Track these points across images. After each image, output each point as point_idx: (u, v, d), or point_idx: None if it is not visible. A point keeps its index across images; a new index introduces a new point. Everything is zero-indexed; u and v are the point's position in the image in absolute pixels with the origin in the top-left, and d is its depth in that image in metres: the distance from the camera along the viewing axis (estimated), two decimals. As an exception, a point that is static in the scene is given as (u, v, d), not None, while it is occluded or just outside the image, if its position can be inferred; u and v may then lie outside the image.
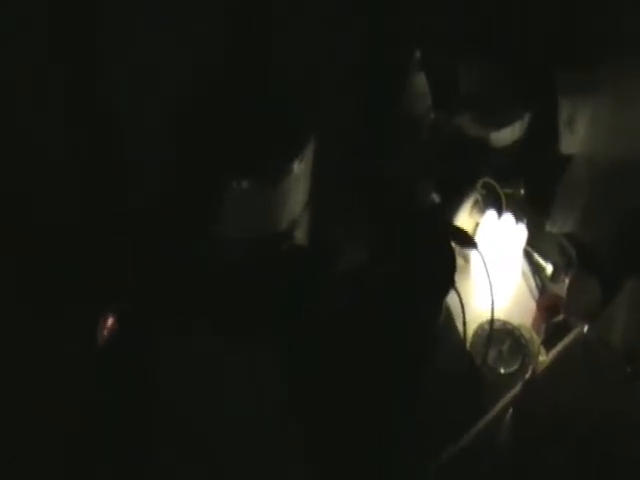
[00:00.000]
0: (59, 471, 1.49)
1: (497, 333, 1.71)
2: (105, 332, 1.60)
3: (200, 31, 1.60)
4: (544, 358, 1.70)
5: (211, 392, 1.59)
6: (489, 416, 1.60)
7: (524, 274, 1.87)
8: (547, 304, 1.80)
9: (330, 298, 1.61)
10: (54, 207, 1.65)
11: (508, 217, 1.84)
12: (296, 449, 1.55)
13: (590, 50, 1.76)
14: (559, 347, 1.68)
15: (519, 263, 1.86)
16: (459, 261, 1.73)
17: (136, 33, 1.54)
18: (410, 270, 1.47)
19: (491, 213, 1.84)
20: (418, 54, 1.80)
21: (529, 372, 1.65)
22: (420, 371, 1.61)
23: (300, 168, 1.58)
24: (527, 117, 1.92)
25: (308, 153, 1.59)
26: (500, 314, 1.74)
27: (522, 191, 1.93)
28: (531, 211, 1.89)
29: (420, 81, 1.83)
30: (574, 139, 1.84)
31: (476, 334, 1.73)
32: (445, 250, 1.49)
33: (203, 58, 1.63)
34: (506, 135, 1.92)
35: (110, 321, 1.60)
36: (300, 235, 1.67)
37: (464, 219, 1.87)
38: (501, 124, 1.91)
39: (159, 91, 1.59)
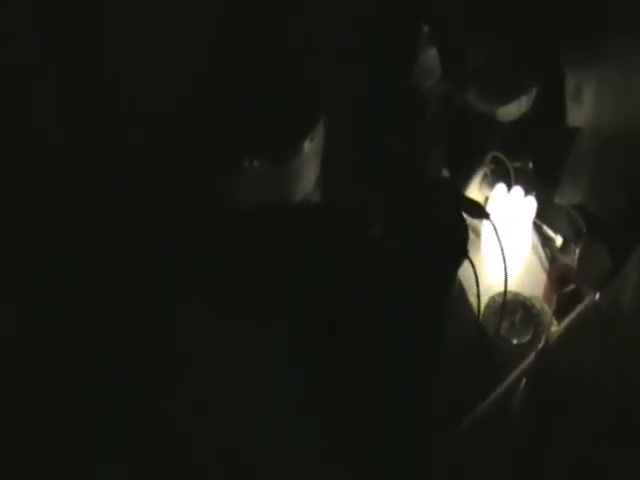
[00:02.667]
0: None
1: (509, 304, 1.72)
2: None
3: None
4: (556, 328, 1.71)
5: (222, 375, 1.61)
6: (503, 387, 1.61)
7: (534, 246, 1.89)
8: (558, 275, 1.81)
9: (345, 273, 1.62)
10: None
11: (517, 190, 1.85)
12: (311, 431, 1.57)
13: (595, 22, 1.76)
14: (571, 316, 1.69)
15: (529, 235, 1.88)
16: (470, 234, 1.75)
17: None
18: (422, 242, 1.48)
19: (500, 187, 1.86)
20: (426, 28, 1.81)
21: (542, 342, 1.66)
22: (434, 343, 1.62)
23: (311, 147, 1.59)
24: (534, 91, 1.92)
25: (319, 132, 1.60)
26: (511, 286, 1.74)
27: (530, 164, 1.94)
28: (540, 184, 1.90)
29: (430, 55, 1.83)
30: (581, 111, 1.84)
31: (488, 306, 1.75)
32: (457, 221, 1.49)
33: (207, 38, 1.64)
34: (514, 109, 1.92)
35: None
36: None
37: (474, 193, 1.88)
38: (508, 98, 1.91)
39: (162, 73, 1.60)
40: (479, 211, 1.57)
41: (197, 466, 1.54)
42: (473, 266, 1.49)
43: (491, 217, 1.56)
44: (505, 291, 1.59)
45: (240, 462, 1.55)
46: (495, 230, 1.54)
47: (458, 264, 1.49)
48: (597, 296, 1.67)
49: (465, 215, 1.52)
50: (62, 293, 1.59)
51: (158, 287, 1.66)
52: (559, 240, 1.87)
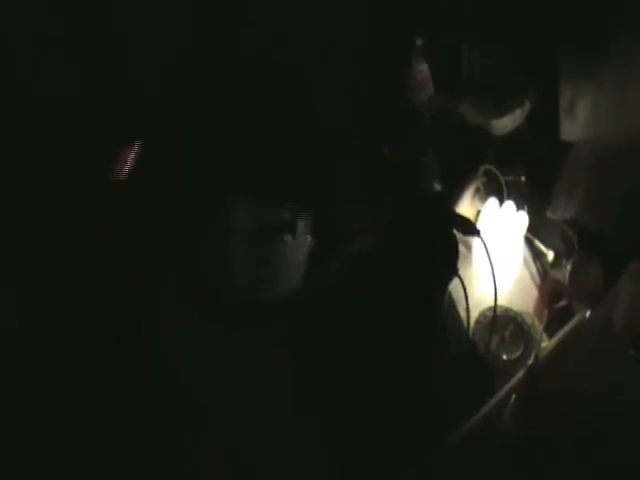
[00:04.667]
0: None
1: (499, 320, 1.72)
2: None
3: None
4: (547, 344, 1.71)
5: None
6: (492, 402, 1.60)
7: (525, 261, 1.88)
8: (549, 290, 1.81)
9: (336, 281, 1.61)
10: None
11: (509, 204, 1.84)
12: (313, 431, 1.56)
13: (591, 35, 1.76)
14: (562, 332, 1.68)
15: (520, 250, 1.87)
16: (461, 248, 1.74)
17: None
18: (413, 257, 1.48)
19: (492, 201, 1.85)
20: (420, 41, 1.80)
21: (532, 358, 1.66)
22: (426, 357, 1.61)
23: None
24: (528, 104, 1.92)
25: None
26: (502, 301, 1.74)
27: (523, 178, 1.93)
28: (532, 198, 1.90)
29: (422, 68, 1.83)
30: (575, 125, 1.83)
31: (478, 321, 1.74)
32: (448, 237, 1.49)
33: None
34: (507, 122, 1.92)
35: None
36: (302, 222, 1.67)
37: (466, 207, 1.87)
38: (502, 111, 1.90)
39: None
40: (470, 228, 1.57)
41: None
42: (462, 283, 1.49)
43: (481, 234, 1.55)
44: (495, 307, 1.59)
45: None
46: (485, 247, 1.53)
47: (448, 281, 1.48)
48: (588, 313, 1.66)
49: (456, 231, 1.52)
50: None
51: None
52: (551, 255, 1.86)
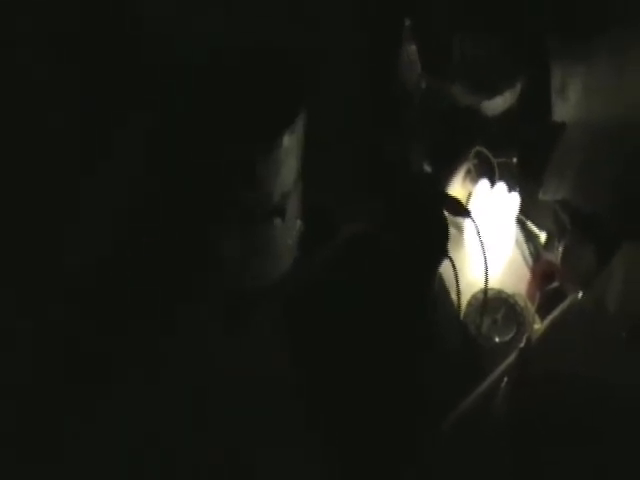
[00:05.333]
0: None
1: (491, 302, 1.71)
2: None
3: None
4: (539, 326, 1.70)
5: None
6: (484, 385, 1.60)
7: (518, 242, 1.87)
8: (541, 272, 1.80)
9: (326, 266, 1.61)
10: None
11: (501, 186, 1.83)
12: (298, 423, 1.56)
13: (583, 17, 1.75)
14: (554, 314, 1.68)
15: (512, 231, 1.86)
16: (452, 230, 1.73)
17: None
18: (403, 239, 1.47)
19: (484, 182, 1.83)
20: (409, 22, 1.79)
21: (524, 340, 1.65)
22: (417, 343, 1.61)
23: (291, 141, 1.57)
24: (519, 85, 1.90)
25: (299, 125, 1.58)
26: (494, 283, 1.73)
27: (515, 159, 1.92)
28: (524, 179, 1.88)
29: (411, 50, 1.81)
30: (566, 106, 1.82)
31: (470, 304, 1.73)
32: (438, 219, 1.48)
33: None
34: (498, 104, 1.90)
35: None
36: (292, 207, 1.67)
37: (457, 188, 1.86)
38: (493, 93, 1.89)
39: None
40: (460, 209, 1.56)
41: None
42: (454, 266, 1.48)
43: (472, 215, 1.54)
44: (486, 290, 1.59)
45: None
46: (476, 228, 1.52)
47: (438, 264, 1.47)
48: (580, 295, 1.65)
49: (446, 213, 1.51)
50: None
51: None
52: (543, 236, 1.85)
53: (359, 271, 1.54)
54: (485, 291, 1.58)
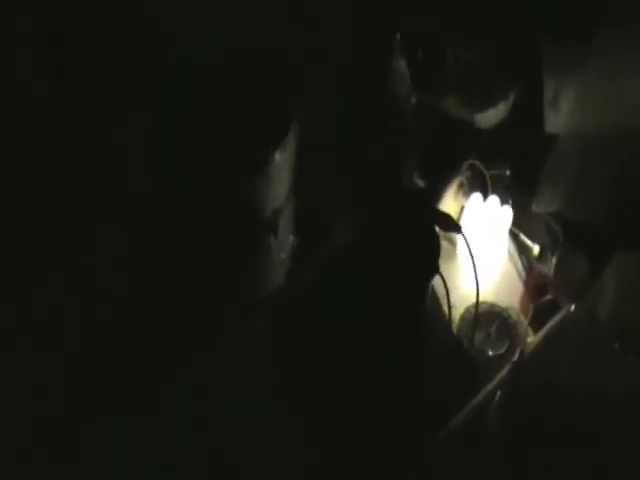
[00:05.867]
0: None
1: (484, 315, 1.72)
2: None
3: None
4: (532, 338, 1.70)
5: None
6: (478, 399, 1.60)
7: (510, 255, 1.87)
8: (534, 284, 1.80)
9: (319, 280, 1.61)
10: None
11: (493, 199, 1.83)
12: (295, 432, 1.56)
13: (574, 28, 1.75)
14: (547, 327, 1.68)
15: (505, 244, 1.86)
16: (446, 244, 1.74)
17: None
18: (394, 255, 1.47)
19: (476, 196, 1.84)
20: (399, 36, 1.79)
21: (517, 354, 1.65)
22: (410, 355, 1.60)
23: (282, 157, 1.57)
24: (511, 97, 1.90)
25: (290, 141, 1.59)
26: (487, 296, 1.74)
27: (508, 172, 1.92)
28: (517, 191, 1.88)
29: (401, 63, 1.81)
30: (559, 118, 1.82)
31: (463, 317, 1.73)
32: (429, 235, 1.48)
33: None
34: (490, 116, 1.90)
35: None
36: (284, 222, 1.67)
37: (449, 202, 1.86)
38: (485, 105, 1.89)
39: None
40: (451, 225, 1.56)
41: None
42: (444, 281, 1.48)
43: (463, 231, 1.55)
44: (477, 304, 1.59)
45: (224, 462, 1.55)
46: (467, 244, 1.53)
47: (429, 280, 1.48)
48: (573, 307, 1.65)
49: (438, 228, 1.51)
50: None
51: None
52: (536, 249, 1.85)
53: (351, 284, 1.54)
54: (477, 305, 1.59)
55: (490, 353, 1.71)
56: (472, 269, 1.59)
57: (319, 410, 1.56)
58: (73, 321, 1.65)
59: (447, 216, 1.58)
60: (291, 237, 1.73)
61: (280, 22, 1.73)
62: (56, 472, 1.52)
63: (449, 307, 1.56)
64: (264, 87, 1.61)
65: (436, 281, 1.56)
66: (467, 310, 1.73)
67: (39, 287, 1.67)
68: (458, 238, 1.80)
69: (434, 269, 1.47)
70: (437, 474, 1.53)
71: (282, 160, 1.58)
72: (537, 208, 1.86)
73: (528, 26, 1.82)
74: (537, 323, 1.74)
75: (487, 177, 1.88)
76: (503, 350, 1.72)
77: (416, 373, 1.62)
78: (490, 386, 1.62)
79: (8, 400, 1.55)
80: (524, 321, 1.74)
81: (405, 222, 1.51)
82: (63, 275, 1.69)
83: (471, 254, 1.53)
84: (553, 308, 1.74)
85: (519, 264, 1.86)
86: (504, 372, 1.63)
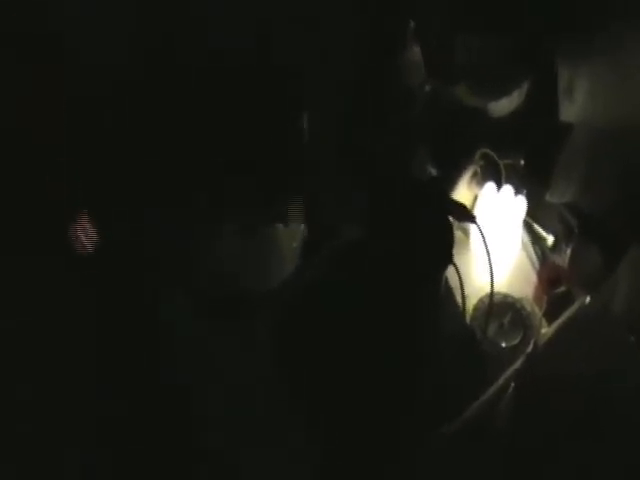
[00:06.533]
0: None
1: (498, 306, 1.70)
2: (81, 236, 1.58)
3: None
4: (546, 330, 1.68)
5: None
6: (491, 391, 1.58)
7: (524, 245, 1.86)
8: (548, 275, 1.78)
9: (328, 273, 1.59)
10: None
11: (507, 189, 1.81)
12: (298, 429, 1.55)
13: (589, 16, 1.73)
14: (561, 319, 1.66)
15: (519, 234, 1.84)
16: (459, 234, 1.72)
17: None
18: (407, 245, 1.45)
19: (490, 185, 1.82)
20: (413, 23, 1.77)
21: (531, 345, 1.63)
22: (420, 347, 1.59)
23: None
24: (525, 86, 1.88)
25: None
26: (501, 287, 1.72)
27: (522, 161, 1.90)
28: (531, 181, 1.86)
29: (415, 51, 1.79)
30: (573, 107, 1.80)
31: (476, 308, 1.72)
32: (443, 225, 1.46)
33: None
34: (504, 105, 1.88)
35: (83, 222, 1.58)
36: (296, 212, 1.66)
37: (463, 191, 1.84)
38: (499, 94, 1.87)
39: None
40: (466, 215, 1.54)
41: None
42: (458, 272, 1.46)
43: (477, 221, 1.53)
44: (492, 294, 1.57)
45: (225, 462, 1.53)
46: (482, 234, 1.51)
47: (442, 270, 1.46)
48: (588, 299, 1.63)
49: (452, 218, 1.50)
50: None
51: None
52: (550, 239, 1.83)
53: (360, 275, 1.53)
54: (491, 295, 1.57)
55: (503, 344, 1.69)
56: (486, 259, 1.57)
57: (321, 407, 1.55)
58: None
59: (462, 206, 1.56)
60: (302, 227, 1.72)
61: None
62: None
63: (463, 298, 1.54)
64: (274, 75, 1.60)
65: (449, 271, 1.55)
66: (480, 300, 1.72)
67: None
68: (471, 228, 1.78)
69: (448, 259, 1.45)
70: (443, 468, 1.51)
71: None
72: (551, 198, 1.84)
73: (542, 15, 1.80)
74: (551, 314, 1.72)
75: (501, 166, 1.86)
76: (516, 341, 1.70)
77: (426, 367, 1.60)
78: (503, 378, 1.60)
79: None
80: (538, 312, 1.72)
81: (419, 211, 1.49)
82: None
83: (486, 244, 1.51)
84: (567, 299, 1.72)
85: (533, 255, 1.84)
86: (517, 364, 1.61)
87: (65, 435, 1.51)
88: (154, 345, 1.59)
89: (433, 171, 1.86)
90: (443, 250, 1.44)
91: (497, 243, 1.72)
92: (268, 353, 1.60)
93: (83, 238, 1.58)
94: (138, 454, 1.52)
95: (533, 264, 1.83)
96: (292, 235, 1.68)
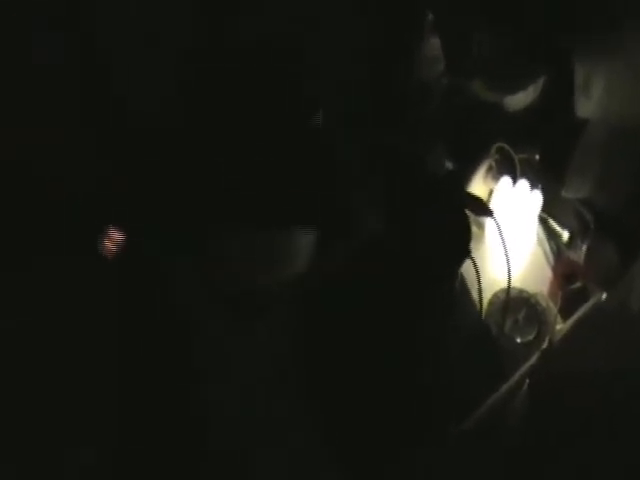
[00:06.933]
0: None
1: (513, 301, 1.69)
2: (111, 247, 1.57)
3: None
4: (561, 326, 1.67)
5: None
6: (506, 387, 1.57)
7: (540, 241, 1.84)
8: (564, 271, 1.77)
9: (347, 266, 1.58)
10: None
11: (523, 183, 1.80)
12: (314, 431, 1.54)
13: (606, 14, 1.72)
14: (577, 315, 1.65)
15: (534, 230, 1.83)
16: (473, 228, 1.70)
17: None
18: (425, 241, 1.44)
19: (505, 179, 1.81)
20: (431, 17, 1.76)
21: (546, 342, 1.62)
22: (436, 342, 1.58)
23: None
24: (541, 81, 1.87)
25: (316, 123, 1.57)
26: (515, 282, 1.71)
27: (537, 156, 1.89)
28: (546, 176, 1.85)
29: (433, 45, 1.78)
30: (589, 103, 1.79)
31: (491, 303, 1.70)
32: (460, 219, 1.45)
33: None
34: (520, 99, 1.87)
35: (115, 234, 1.58)
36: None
37: (478, 185, 1.83)
38: (515, 88, 1.86)
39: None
40: (483, 209, 1.53)
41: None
42: (475, 266, 1.45)
43: (495, 215, 1.52)
44: (508, 289, 1.55)
45: (237, 462, 1.53)
46: (498, 228, 1.50)
47: (459, 264, 1.45)
48: (604, 296, 1.62)
49: (469, 212, 1.48)
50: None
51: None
52: (565, 235, 1.82)
53: (377, 270, 1.51)
54: (508, 290, 1.56)
55: (518, 340, 1.68)
56: (502, 254, 1.56)
57: (336, 404, 1.54)
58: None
59: (478, 199, 1.55)
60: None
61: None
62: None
63: (480, 293, 1.52)
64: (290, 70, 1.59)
65: (465, 266, 1.54)
66: (495, 295, 1.71)
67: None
68: (486, 222, 1.77)
69: (466, 254, 1.44)
70: (456, 466, 1.50)
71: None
72: (567, 193, 1.82)
73: (559, 11, 1.78)
74: (565, 310, 1.70)
75: (516, 161, 1.84)
76: (531, 337, 1.69)
77: (442, 362, 1.59)
78: (518, 374, 1.59)
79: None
80: (553, 308, 1.71)
81: (436, 205, 1.48)
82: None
83: (503, 239, 1.50)
84: (582, 295, 1.71)
85: (548, 250, 1.83)
86: (532, 360, 1.60)
87: (70, 434, 1.50)
88: (171, 345, 1.58)
89: (449, 165, 1.84)
90: (461, 245, 1.43)
91: (512, 238, 1.71)
92: (284, 351, 1.59)
93: (110, 242, 1.58)
94: (149, 454, 1.51)
95: (548, 259, 1.82)
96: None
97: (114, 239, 1.56)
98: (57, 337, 1.53)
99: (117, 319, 1.56)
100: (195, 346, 1.61)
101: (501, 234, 1.52)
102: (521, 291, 1.73)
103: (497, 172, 1.85)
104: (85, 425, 1.50)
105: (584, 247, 1.77)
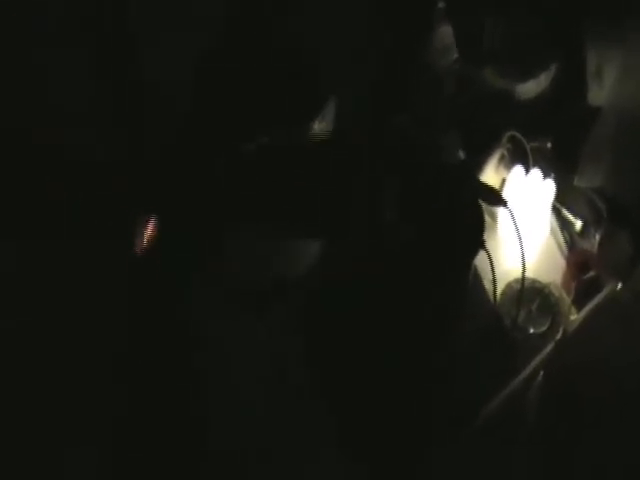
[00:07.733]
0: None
1: (526, 292, 1.67)
2: (144, 239, 1.57)
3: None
4: (575, 316, 1.66)
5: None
6: (520, 378, 1.57)
7: (553, 230, 1.83)
8: (577, 260, 1.76)
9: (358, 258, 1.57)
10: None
11: (535, 172, 1.79)
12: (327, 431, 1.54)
13: (619, 1, 1.70)
14: (590, 305, 1.64)
15: (547, 219, 1.81)
16: (486, 218, 1.69)
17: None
18: (439, 231, 1.43)
19: (518, 168, 1.79)
20: (442, 4, 1.74)
21: (560, 332, 1.61)
22: (449, 334, 1.57)
23: (320, 127, 1.54)
24: (553, 69, 1.86)
25: (329, 112, 1.55)
26: (529, 272, 1.68)
27: (549, 144, 1.88)
28: (559, 165, 1.84)
29: (445, 33, 1.77)
30: (602, 92, 1.78)
31: (504, 293, 1.69)
32: (474, 209, 1.44)
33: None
34: (532, 87, 1.86)
35: (149, 227, 1.57)
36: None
37: (490, 175, 1.82)
38: (527, 76, 1.85)
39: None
40: (496, 198, 1.52)
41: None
42: (489, 256, 1.44)
43: (508, 204, 1.50)
44: (523, 280, 1.54)
45: (249, 460, 1.53)
46: (512, 217, 1.48)
47: (473, 255, 1.44)
48: (619, 285, 1.61)
49: (482, 202, 1.47)
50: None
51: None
52: (579, 224, 1.81)
53: (389, 262, 1.50)
54: (522, 281, 1.54)
55: (531, 331, 1.67)
56: (515, 244, 1.54)
57: (353, 403, 1.53)
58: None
59: (492, 189, 1.54)
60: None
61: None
62: None
63: (494, 283, 1.51)
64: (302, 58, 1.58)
65: (478, 257, 1.53)
66: (508, 286, 1.69)
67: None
68: (499, 213, 1.76)
69: (479, 244, 1.43)
70: (469, 459, 1.50)
71: (320, 132, 1.55)
72: (580, 182, 1.81)
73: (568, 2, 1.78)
74: (579, 300, 1.69)
75: (528, 150, 1.83)
76: (545, 327, 1.67)
77: (458, 353, 1.58)
78: (532, 366, 1.59)
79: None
80: (566, 298, 1.70)
81: (449, 195, 1.47)
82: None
83: (517, 229, 1.48)
84: (595, 285, 1.70)
85: (561, 240, 1.81)
86: (546, 351, 1.59)
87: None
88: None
89: (461, 154, 1.83)
90: (475, 235, 1.42)
91: (525, 228, 1.69)
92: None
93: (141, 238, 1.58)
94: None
95: (561, 249, 1.80)
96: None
97: (148, 233, 1.56)
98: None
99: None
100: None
101: (515, 224, 1.51)
102: (534, 281, 1.71)
103: (509, 161, 1.83)
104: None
105: (597, 236, 1.75)
